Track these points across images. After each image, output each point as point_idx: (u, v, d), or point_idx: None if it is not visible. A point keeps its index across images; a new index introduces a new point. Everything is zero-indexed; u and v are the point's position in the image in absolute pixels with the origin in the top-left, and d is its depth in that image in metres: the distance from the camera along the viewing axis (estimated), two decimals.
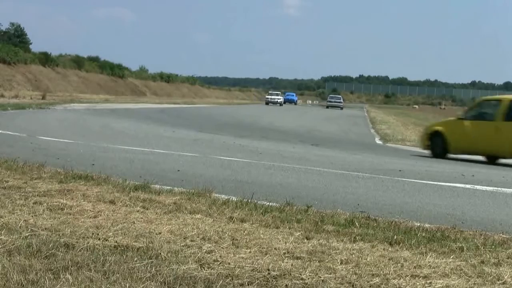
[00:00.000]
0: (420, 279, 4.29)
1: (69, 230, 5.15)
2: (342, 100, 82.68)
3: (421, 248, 5.08)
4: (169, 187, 7.48)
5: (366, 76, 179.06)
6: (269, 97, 79.66)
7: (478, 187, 9.43)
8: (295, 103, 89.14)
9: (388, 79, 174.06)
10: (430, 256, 4.83)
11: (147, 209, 6.17)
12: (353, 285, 4.14)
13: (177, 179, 8.47)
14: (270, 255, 4.70)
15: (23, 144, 12.56)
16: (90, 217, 5.71)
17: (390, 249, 5.06)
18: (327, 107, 78.82)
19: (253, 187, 8.02)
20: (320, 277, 4.23)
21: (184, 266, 4.33)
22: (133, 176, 8.37)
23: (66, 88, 67.52)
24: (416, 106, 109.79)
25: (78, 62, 78.09)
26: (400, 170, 11.15)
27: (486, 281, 4.31)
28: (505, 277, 4.36)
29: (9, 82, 58.77)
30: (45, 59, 70.36)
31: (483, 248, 5.18)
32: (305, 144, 18.37)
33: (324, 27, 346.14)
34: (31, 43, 74.60)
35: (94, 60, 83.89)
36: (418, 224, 6.10)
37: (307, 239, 5.25)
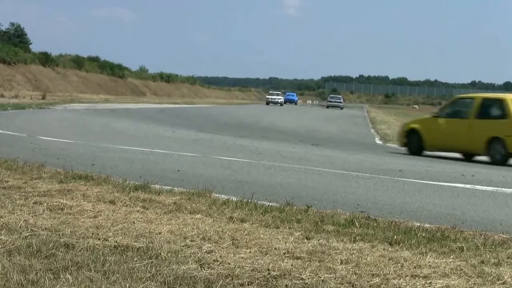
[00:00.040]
0: (420, 279, 4.29)
1: (69, 230, 5.15)
2: (342, 100, 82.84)
3: (421, 248, 5.08)
4: (169, 187, 7.48)
5: (366, 76, 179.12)
6: (270, 97, 79.81)
7: (478, 187, 9.43)
8: (296, 103, 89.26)
9: (388, 79, 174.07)
10: (430, 256, 4.83)
11: (147, 209, 6.17)
12: (353, 285, 4.14)
13: (177, 179, 8.47)
14: (270, 255, 4.70)
15: (23, 144, 12.56)
16: (90, 217, 5.71)
17: (390, 249, 5.06)
18: (327, 107, 78.93)
19: (253, 187, 8.02)
20: (320, 277, 4.23)
21: (184, 266, 4.33)
22: (133, 176, 8.37)
23: (66, 88, 67.52)
24: (416, 106, 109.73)
25: (78, 62, 78.09)
26: (400, 170, 11.15)
27: (486, 281, 4.31)
28: (505, 277, 4.36)
29: (9, 82, 58.78)
30: (45, 59, 70.37)
31: (483, 248, 5.18)
32: (305, 144, 18.37)
33: (324, 27, 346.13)
34: (31, 43, 74.66)
35: (94, 60, 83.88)
36: (418, 224, 6.10)
37: (307, 239, 5.25)
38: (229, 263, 4.46)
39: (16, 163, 8.63)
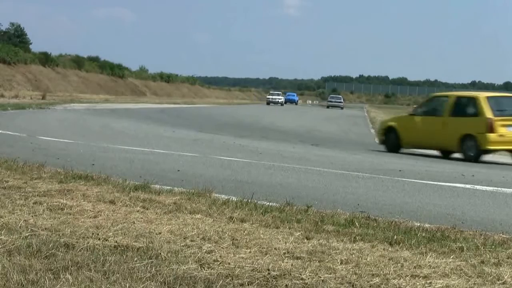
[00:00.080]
0: (420, 279, 4.29)
1: (69, 230, 5.15)
2: (342, 100, 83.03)
3: (421, 248, 5.08)
4: (169, 187, 7.48)
5: (366, 76, 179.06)
6: (270, 97, 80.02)
7: (478, 187, 9.43)
8: (296, 103, 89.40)
9: (388, 79, 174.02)
10: (430, 256, 4.83)
11: (147, 209, 6.17)
12: (353, 285, 4.14)
13: (177, 179, 8.47)
14: (270, 255, 4.70)
15: (23, 144, 12.56)
16: (90, 217, 5.70)
17: (390, 249, 5.06)
18: (328, 107, 79.08)
19: (253, 187, 8.02)
20: (320, 277, 4.23)
21: (184, 266, 4.33)
22: (133, 176, 8.37)
23: (66, 88, 67.52)
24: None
25: (78, 62, 78.08)
26: (400, 170, 11.15)
27: (486, 281, 4.31)
28: (505, 277, 4.36)
29: (9, 82, 58.78)
30: (45, 59, 70.37)
31: (483, 248, 5.18)
32: (305, 144, 18.38)
33: (324, 27, 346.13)
34: (31, 43, 74.66)
35: (94, 60, 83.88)
36: (418, 224, 6.10)
37: (307, 239, 5.25)
38: (229, 263, 4.45)
39: (16, 163, 8.63)
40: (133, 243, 4.84)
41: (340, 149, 17.20)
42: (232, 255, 4.67)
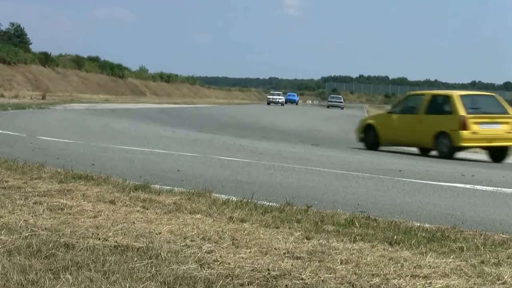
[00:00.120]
0: (420, 279, 4.29)
1: (69, 230, 5.15)
2: (342, 100, 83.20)
3: (421, 248, 5.08)
4: (169, 187, 7.48)
5: (366, 76, 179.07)
6: (271, 97, 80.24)
7: (478, 187, 9.42)
8: (296, 103, 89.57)
9: (388, 79, 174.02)
10: (430, 256, 4.83)
11: (147, 209, 6.17)
12: (353, 285, 4.14)
13: (177, 179, 8.47)
14: (270, 255, 4.70)
15: (23, 144, 12.56)
16: (90, 217, 5.70)
17: (390, 249, 5.06)
18: (328, 107, 79.23)
19: (253, 187, 8.02)
20: (320, 277, 4.23)
21: (184, 266, 4.33)
22: (133, 176, 8.37)
23: (66, 88, 67.52)
24: None
25: (78, 62, 78.10)
26: (400, 170, 11.15)
27: (486, 281, 4.31)
28: (505, 277, 4.36)
29: (9, 82, 58.79)
30: (45, 59, 70.39)
31: (483, 248, 5.17)
32: (305, 144, 18.38)
33: (324, 27, 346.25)
34: (31, 43, 74.73)
35: (94, 60, 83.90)
36: (418, 224, 6.10)
37: (307, 239, 5.25)
38: (229, 263, 4.45)
39: (16, 163, 8.63)
40: (133, 243, 4.84)
41: (340, 149, 17.21)
42: (232, 255, 4.67)
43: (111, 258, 4.40)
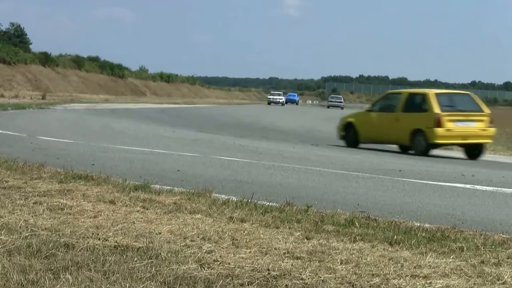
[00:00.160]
0: (420, 279, 4.29)
1: (69, 230, 5.15)
2: (342, 100, 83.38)
3: (421, 248, 5.08)
4: (169, 187, 7.48)
5: (366, 76, 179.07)
6: (271, 97, 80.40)
7: (478, 187, 9.42)
8: (297, 103, 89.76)
9: (388, 79, 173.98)
10: (430, 256, 4.83)
11: (147, 209, 6.17)
12: (353, 285, 4.14)
13: (177, 179, 8.47)
14: (270, 255, 4.70)
15: (23, 144, 12.56)
16: (90, 217, 5.70)
17: (390, 249, 5.06)
18: (328, 106, 79.37)
19: (253, 187, 8.01)
20: (320, 277, 4.23)
21: (184, 266, 4.33)
22: (133, 176, 8.37)
23: (66, 88, 67.52)
24: None
25: (78, 62, 78.10)
26: (400, 170, 11.15)
27: (486, 281, 4.31)
28: (505, 277, 4.36)
29: (9, 82, 58.79)
30: (45, 59, 70.38)
31: (483, 248, 5.17)
32: (305, 144, 18.38)
33: (324, 27, 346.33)
34: (31, 43, 74.72)
35: (94, 60, 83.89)
36: (418, 224, 6.10)
37: (307, 239, 5.25)
38: (229, 263, 4.45)
39: (16, 163, 8.63)
40: (133, 243, 4.84)
41: (340, 149, 17.21)
42: (232, 255, 4.67)
43: (111, 258, 4.40)
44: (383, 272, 4.38)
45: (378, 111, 18.03)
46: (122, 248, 4.70)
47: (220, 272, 4.26)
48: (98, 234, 5.04)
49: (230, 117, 36.73)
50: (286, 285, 4.09)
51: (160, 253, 4.58)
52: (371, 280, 4.21)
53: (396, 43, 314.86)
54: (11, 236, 4.83)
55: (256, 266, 4.41)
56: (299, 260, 4.60)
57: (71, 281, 3.92)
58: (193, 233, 5.23)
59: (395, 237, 5.39)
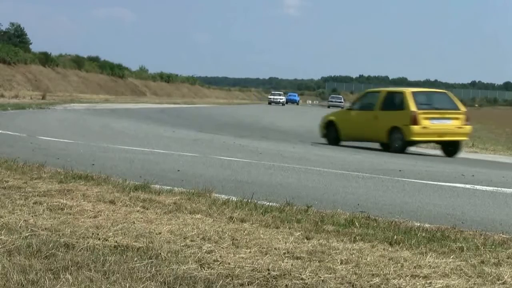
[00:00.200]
0: (420, 279, 4.29)
1: (69, 230, 5.15)
2: (343, 100, 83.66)
3: (421, 248, 5.08)
4: (169, 187, 7.48)
5: (366, 76, 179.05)
6: (272, 97, 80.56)
7: (478, 187, 9.42)
8: (297, 103, 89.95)
9: (388, 79, 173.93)
10: (430, 256, 4.83)
11: (147, 209, 6.17)
12: (353, 285, 4.14)
13: (177, 179, 8.47)
14: (270, 255, 4.70)
15: (23, 144, 12.56)
16: (90, 217, 5.70)
17: (390, 249, 5.06)
18: (329, 106, 79.55)
19: (253, 187, 8.01)
20: (320, 277, 4.23)
21: (184, 266, 4.33)
22: (133, 176, 8.37)
23: (66, 88, 67.52)
24: None
25: (78, 62, 78.09)
26: (400, 170, 11.14)
27: (486, 281, 4.31)
28: (505, 277, 4.36)
29: (9, 82, 58.79)
30: (45, 59, 70.38)
31: (483, 248, 5.17)
32: (305, 144, 18.38)
33: (324, 27, 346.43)
34: (31, 43, 74.71)
35: (94, 60, 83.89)
36: (418, 224, 6.10)
37: (307, 239, 5.25)
38: (229, 263, 4.45)
39: (16, 163, 8.63)
40: (133, 243, 4.84)
41: (340, 149, 17.21)
42: (232, 255, 4.67)
43: (111, 258, 4.40)
44: (383, 272, 4.38)
45: (358, 110, 18.47)
46: (122, 248, 4.70)
47: (220, 272, 4.26)
48: (98, 234, 5.04)
49: (230, 117, 36.73)
50: (286, 285, 4.09)
51: (160, 253, 4.58)
52: (371, 280, 4.21)
53: (396, 43, 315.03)
54: (11, 236, 4.83)
55: (256, 266, 4.41)
56: (299, 260, 4.60)
57: (71, 281, 3.92)
58: (193, 233, 5.23)
59: (395, 237, 5.39)
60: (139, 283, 3.96)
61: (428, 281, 4.23)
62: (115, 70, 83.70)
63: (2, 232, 4.93)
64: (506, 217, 7.02)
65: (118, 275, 4.07)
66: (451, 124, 16.87)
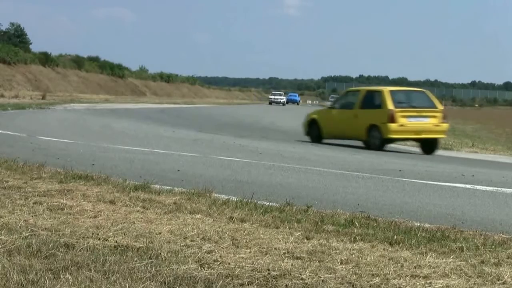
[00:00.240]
0: (420, 279, 4.29)
1: (69, 230, 5.15)
2: None
3: (421, 248, 5.08)
4: (169, 187, 7.48)
5: (366, 76, 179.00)
6: (272, 97, 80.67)
7: (478, 187, 9.42)
8: (298, 103, 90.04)
9: (388, 79, 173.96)
10: (430, 256, 4.83)
11: (147, 209, 6.17)
12: (353, 285, 4.14)
13: (177, 179, 8.47)
14: (270, 255, 4.70)
15: (23, 144, 12.56)
16: (90, 217, 5.70)
17: (390, 249, 5.06)
18: None
19: (253, 187, 8.01)
20: (320, 277, 4.23)
21: (184, 266, 4.33)
22: (133, 176, 8.37)
23: (66, 88, 67.52)
24: None
25: (78, 62, 78.10)
26: (400, 170, 11.14)
27: (486, 281, 4.31)
28: (505, 277, 4.36)
29: (9, 82, 58.79)
30: (45, 59, 70.38)
31: (483, 248, 5.17)
32: (305, 144, 18.38)
33: (324, 27, 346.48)
34: (31, 43, 74.74)
35: (94, 60, 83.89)
36: (418, 224, 6.10)
37: (307, 239, 5.25)
38: (229, 263, 4.45)
39: (16, 163, 8.63)
40: (133, 243, 4.84)
41: (340, 149, 17.21)
42: (232, 255, 4.67)
43: (111, 258, 4.40)
44: (383, 272, 4.38)
45: (339, 108, 19.04)
46: (122, 248, 4.70)
47: (220, 272, 4.26)
48: (98, 234, 5.04)
49: (230, 117, 36.73)
50: (286, 285, 4.09)
51: (160, 253, 4.58)
52: (371, 280, 4.21)
53: (396, 43, 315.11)
54: (11, 236, 4.83)
55: (256, 266, 4.41)
56: (299, 260, 4.60)
57: (71, 281, 3.92)
58: (193, 233, 5.23)
59: (395, 237, 5.39)
60: (139, 283, 3.96)
61: (428, 281, 4.23)
62: (115, 70, 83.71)
63: (2, 232, 4.93)
64: (506, 217, 7.02)
65: (118, 275, 4.07)
66: (428, 122, 17.16)
